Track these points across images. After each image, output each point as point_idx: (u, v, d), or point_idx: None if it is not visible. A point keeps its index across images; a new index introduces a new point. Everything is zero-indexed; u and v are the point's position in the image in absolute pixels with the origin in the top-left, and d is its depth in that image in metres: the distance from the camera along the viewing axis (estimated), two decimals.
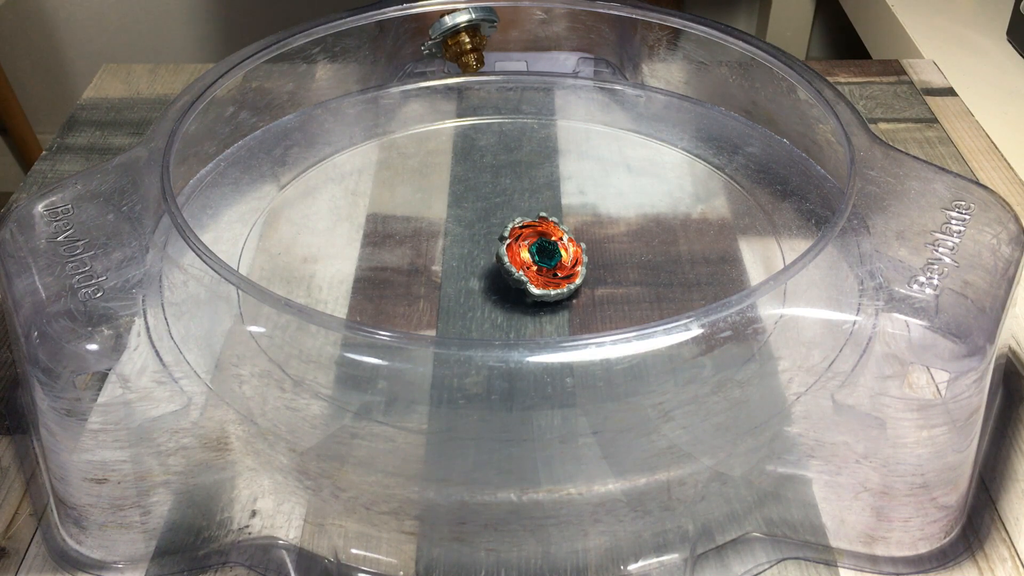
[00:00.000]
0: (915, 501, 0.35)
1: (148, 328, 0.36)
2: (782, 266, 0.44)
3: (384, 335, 0.32)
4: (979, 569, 0.35)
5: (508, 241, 0.44)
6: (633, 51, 0.59)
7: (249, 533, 0.36)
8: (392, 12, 0.54)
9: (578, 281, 0.44)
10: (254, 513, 0.36)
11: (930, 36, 0.75)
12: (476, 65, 0.57)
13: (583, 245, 0.45)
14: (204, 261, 0.36)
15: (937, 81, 0.66)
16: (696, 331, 0.33)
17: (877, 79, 0.66)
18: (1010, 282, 0.36)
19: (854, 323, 0.35)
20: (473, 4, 0.56)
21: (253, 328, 0.36)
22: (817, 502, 0.36)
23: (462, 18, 0.55)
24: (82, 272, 0.37)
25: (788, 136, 0.53)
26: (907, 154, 0.42)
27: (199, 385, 0.35)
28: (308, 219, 0.50)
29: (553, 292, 0.43)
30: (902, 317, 0.34)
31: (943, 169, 0.41)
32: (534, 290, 0.43)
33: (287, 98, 0.56)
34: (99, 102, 0.64)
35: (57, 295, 0.36)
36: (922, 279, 0.35)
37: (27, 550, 0.36)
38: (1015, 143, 0.60)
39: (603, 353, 0.32)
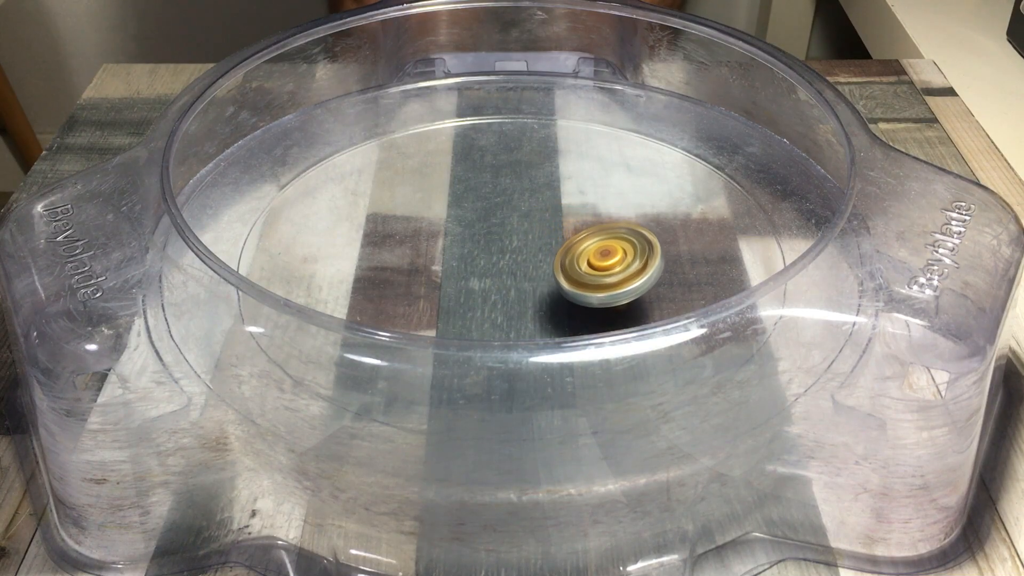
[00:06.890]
0: (915, 502, 0.35)
1: (148, 328, 0.36)
2: (782, 266, 0.44)
3: (384, 336, 0.32)
4: (979, 569, 0.35)
5: (562, 259, 0.42)
6: (633, 51, 0.59)
7: (249, 533, 0.36)
8: (392, 12, 0.54)
9: (643, 280, 0.41)
10: (254, 513, 0.36)
11: (930, 36, 0.75)
12: None
13: (652, 241, 0.42)
14: (204, 261, 0.36)
15: (937, 81, 0.66)
16: (696, 332, 0.33)
17: (877, 79, 0.66)
18: (1010, 283, 0.36)
19: (854, 324, 0.35)
20: None
21: (253, 328, 0.36)
22: (817, 503, 0.36)
23: None
24: (81, 272, 0.37)
25: (788, 136, 0.53)
26: (907, 154, 0.42)
27: (199, 385, 0.35)
28: (308, 219, 0.50)
29: (611, 296, 0.41)
30: (902, 317, 0.34)
31: (943, 169, 0.41)
32: (595, 299, 0.41)
33: (287, 98, 0.56)
34: (99, 102, 0.64)
35: (56, 295, 0.36)
36: (922, 280, 0.35)
37: (27, 550, 0.36)
38: (1015, 143, 0.60)
39: (603, 354, 0.32)
